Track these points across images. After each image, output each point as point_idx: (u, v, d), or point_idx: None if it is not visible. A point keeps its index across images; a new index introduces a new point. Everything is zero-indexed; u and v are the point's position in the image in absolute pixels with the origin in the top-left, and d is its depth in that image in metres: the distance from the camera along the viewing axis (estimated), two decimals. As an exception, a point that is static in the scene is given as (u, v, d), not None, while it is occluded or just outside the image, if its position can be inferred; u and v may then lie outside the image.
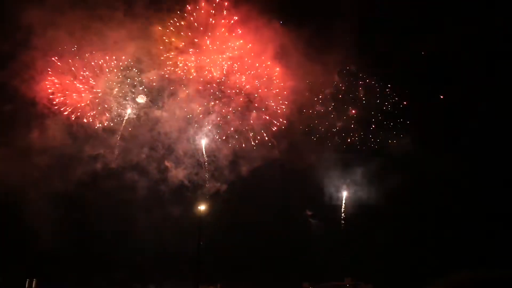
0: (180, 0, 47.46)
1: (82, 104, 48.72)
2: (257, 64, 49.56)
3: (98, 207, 49.60)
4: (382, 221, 49.12)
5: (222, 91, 50.39)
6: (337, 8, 47.53)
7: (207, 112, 50.80)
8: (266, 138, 51.50)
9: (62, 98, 48.21)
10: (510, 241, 44.63)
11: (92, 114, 49.11)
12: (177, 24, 47.89)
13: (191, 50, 48.62)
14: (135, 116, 50.59)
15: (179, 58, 48.79)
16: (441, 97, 50.32)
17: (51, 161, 47.94)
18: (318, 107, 52.20)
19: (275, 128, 51.31)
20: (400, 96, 51.17)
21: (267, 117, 51.02)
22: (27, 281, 44.36)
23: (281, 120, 51.20)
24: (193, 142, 51.61)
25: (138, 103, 50.06)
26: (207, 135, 51.57)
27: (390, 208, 49.14)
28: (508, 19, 44.98)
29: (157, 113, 50.56)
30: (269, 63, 49.52)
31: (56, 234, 46.70)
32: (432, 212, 49.45)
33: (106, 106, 49.42)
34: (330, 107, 52.30)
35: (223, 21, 48.00)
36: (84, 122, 49.04)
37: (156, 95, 50.38)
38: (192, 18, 47.78)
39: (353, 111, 52.42)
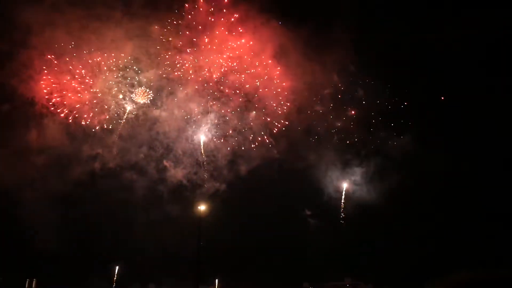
0: (178, -1, 47.28)
1: (80, 104, 48.64)
2: (257, 64, 49.42)
3: (97, 207, 49.55)
4: (382, 221, 49.03)
5: (220, 91, 50.29)
6: (336, 8, 47.23)
7: (206, 112, 50.73)
8: (265, 138, 51.45)
9: (60, 98, 48.16)
10: (510, 241, 44.59)
11: (90, 113, 49.06)
12: (176, 23, 47.73)
13: (189, 49, 48.55)
14: (133, 116, 50.50)
15: (178, 57, 48.71)
16: (441, 98, 50.24)
17: (50, 161, 48.00)
18: (317, 107, 52.03)
19: (275, 128, 51.28)
20: (400, 96, 51.04)
21: (266, 117, 51.03)
22: (27, 281, 44.51)
23: (280, 120, 51.14)
24: (192, 141, 51.54)
25: (137, 103, 49.91)
26: (205, 134, 51.49)
27: (389, 208, 49.07)
28: (508, 19, 44.71)
29: (156, 112, 50.42)
30: (269, 61, 49.37)
31: (56, 234, 46.70)
32: (432, 212, 49.32)
33: (105, 106, 49.37)
34: (329, 107, 52.16)
35: (222, 19, 47.91)
36: (82, 121, 48.98)
37: (155, 95, 50.28)
38: (190, 17, 47.68)
39: (353, 111, 52.30)
